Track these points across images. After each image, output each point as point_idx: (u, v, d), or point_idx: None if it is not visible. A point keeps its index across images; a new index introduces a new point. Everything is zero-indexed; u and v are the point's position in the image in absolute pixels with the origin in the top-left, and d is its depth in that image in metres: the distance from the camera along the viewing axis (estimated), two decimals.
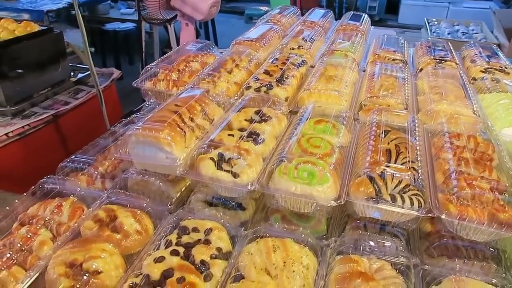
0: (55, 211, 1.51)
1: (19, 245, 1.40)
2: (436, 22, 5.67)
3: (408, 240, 1.51)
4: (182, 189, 1.71)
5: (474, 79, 2.29)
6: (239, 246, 1.42)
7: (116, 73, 3.71)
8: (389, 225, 1.50)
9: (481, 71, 2.32)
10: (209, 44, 2.59)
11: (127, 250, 1.40)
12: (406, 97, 2.01)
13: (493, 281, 1.23)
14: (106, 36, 7.30)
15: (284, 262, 1.31)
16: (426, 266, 1.36)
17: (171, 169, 1.54)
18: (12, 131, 2.74)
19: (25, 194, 1.56)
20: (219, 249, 1.38)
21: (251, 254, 1.34)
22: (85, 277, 1.25)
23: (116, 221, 1.45)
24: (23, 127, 2.82)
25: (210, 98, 1.92)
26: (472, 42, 2.86)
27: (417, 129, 1.73)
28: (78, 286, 1.23)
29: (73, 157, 1.76)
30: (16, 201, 1.54)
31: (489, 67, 2.34)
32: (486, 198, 1.36)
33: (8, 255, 1.34)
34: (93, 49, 3.79)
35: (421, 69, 2.40)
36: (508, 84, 2.12)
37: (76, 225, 1.45)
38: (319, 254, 1.39)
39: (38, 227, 1.46)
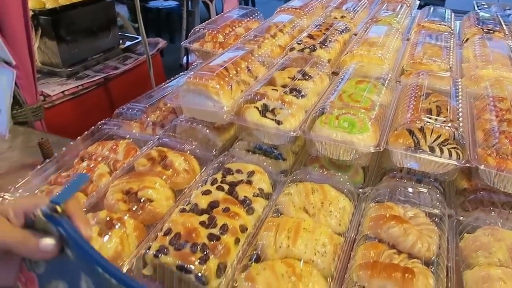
0: (112, 148, 1.65)
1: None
2: (486, 6, 5.44)
3: (444, 195, 1.55)
4: (226, 139, 1.81)
5: None
6: (279, 190, 1.51)
7: (162, 42, 3.86)
8: (425, 178, 1.54)
9: None
10: (254, 10, 2.66)
11: (176, 186, 1.52)
12: (451, 64, 2.01)
13: None
14: (149, 14, 7.51)
15: (322, 203, 1.39)
16: (461, 217, 1.39)
17: (218, 116, 1.64)
18: (67, 90, 2.95)
19: (86, 133, 1.71)
20: (260, 190, 1.47)
21: (290, 194, 1.43)
22: (140, 203, 1.39)
23: (166, 160, 1.57)
24: (77, 87, 3.02)
25: (255, 57, 2.00)
26: None
27: (459, 92, 1.74)
28: (134, 209, 1.37)
29: (128, 104, 1.90)
30: (78, 138, 1.69)
31: None
32: None
33: None
34: (136, 25, 3.95)
35: (467, 39, 2.37)
36: None
37: (132, 159, 1.59)
38: (355, 201, 1.46)
39: (98, 161, 1.61)
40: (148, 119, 1.83)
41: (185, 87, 1.66)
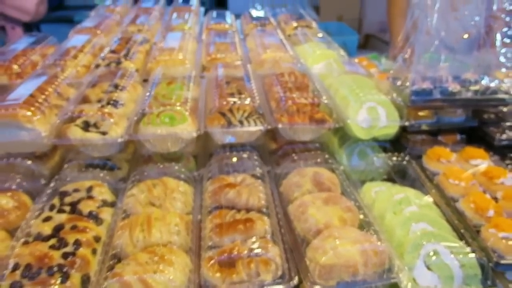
0: None
1: None
2: (260, 7, 6.41)
3: (261, 157, 1.87)
4: (53, 166, 1.76)
5: (289, 35, 2.82)
6: (122, 196, 1.57)
7: None
8: (244, 148, 1.83)
9: (292, 28, 2.87)
10: (45, 35, 2.55)
11: (10, 225, 1.42)
12: (239, 55, 2.39)
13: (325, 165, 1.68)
14: None
15: (165, 193, 1.53)
16: (277, 170, 1.74)
17: (36, 144, 1.59)
18: None
19: None
20: (104, 201, 1.52)
21: (134, 195, 1.52)
22: None
23: None
24: None
25: (60, 80, 1.96)
26: (282, 9, 3.47)
27: (251, 75, 2.12)
28: None
29: None
30: None
31: (298, 25, 2.91)
32: (306, 109, 1.80)
33: None
34: None
35: (247, 34, 2.84)
36: (313, 36, 2.70)
37: None
38: (193, 183, 1.65)
39: None
40: None
41: None
